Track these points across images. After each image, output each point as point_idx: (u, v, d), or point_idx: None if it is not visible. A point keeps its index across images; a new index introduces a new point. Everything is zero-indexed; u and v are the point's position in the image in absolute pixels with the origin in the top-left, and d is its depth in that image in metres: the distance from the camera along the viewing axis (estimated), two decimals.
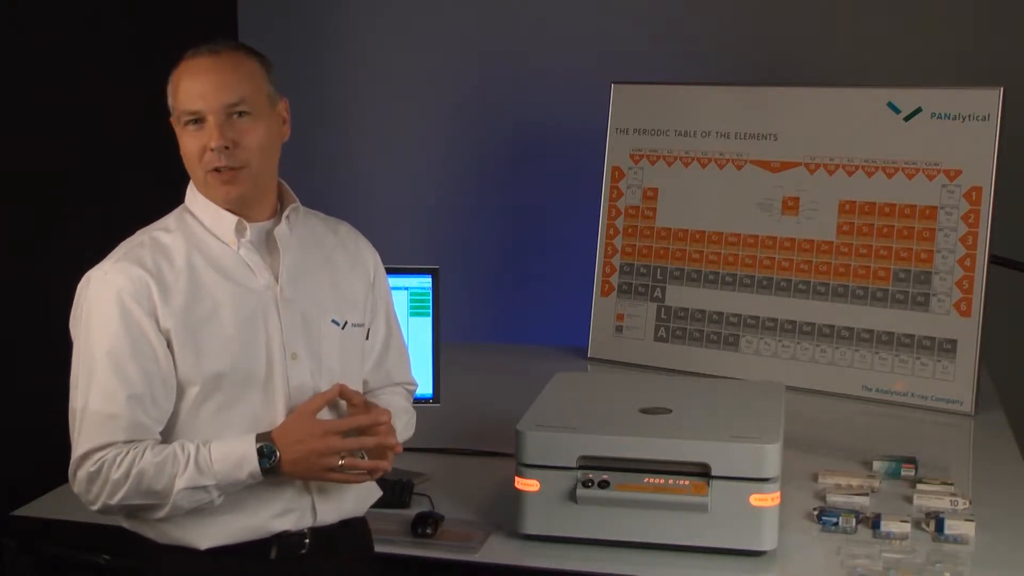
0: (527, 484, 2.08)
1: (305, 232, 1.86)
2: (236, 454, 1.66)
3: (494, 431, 2.62)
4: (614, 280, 3.55)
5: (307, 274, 1.83)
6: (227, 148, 1.70)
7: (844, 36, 3.83)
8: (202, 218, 1.78)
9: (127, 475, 1.63)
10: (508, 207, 4.22)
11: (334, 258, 1.89)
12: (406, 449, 2.57)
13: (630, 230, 3.53)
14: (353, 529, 1.88)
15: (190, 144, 1.72)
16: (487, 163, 4.22)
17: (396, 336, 2.00)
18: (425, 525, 2.15)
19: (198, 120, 1.70)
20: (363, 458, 1.73)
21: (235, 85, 1.71)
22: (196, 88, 1.70)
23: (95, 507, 1.69)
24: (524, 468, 2.09)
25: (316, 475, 1.71)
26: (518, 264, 4.23)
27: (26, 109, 3.03)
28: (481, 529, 2.18)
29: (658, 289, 3.48)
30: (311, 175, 4.13)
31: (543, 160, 4.14)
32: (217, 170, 1.71)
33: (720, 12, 3.93)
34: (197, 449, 1.66)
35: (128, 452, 1.64)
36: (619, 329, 3.52)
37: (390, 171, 4.29)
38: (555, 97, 4.06)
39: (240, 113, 1.72)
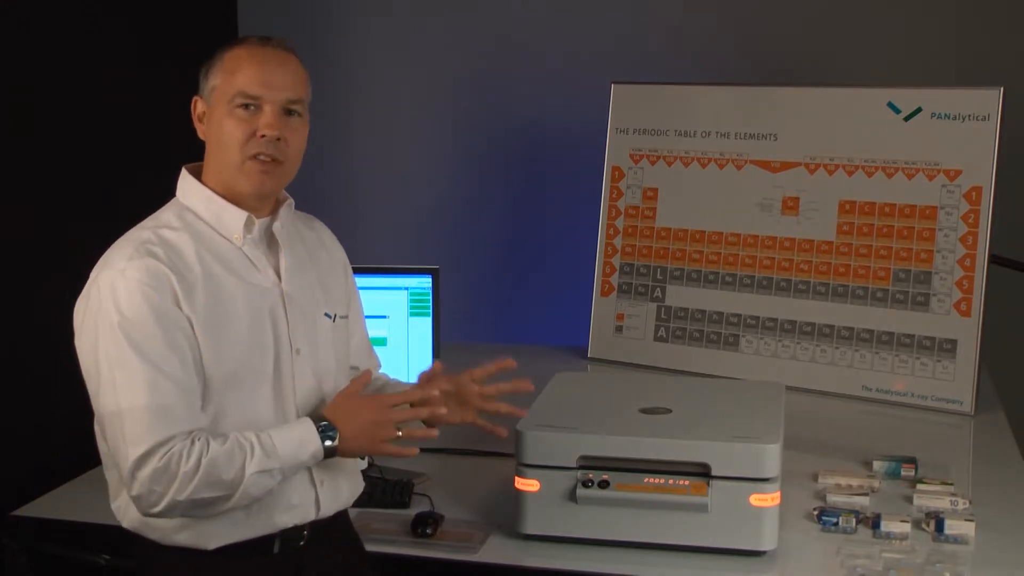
0: (527, 484, 2.08)
1: (292, 229, 1.89)
2: (296, 436, 1.69)
3: None
4: (614, 280, 3.55)
5: (300, 270, 1.85)
6: (278, 140, 1.73)
7: (844, 36, 3.83)
8: (203, 214, 1.77)
9: (197, 466, 1.61)
10: (508, 207, 4.22)
11: (317, 254, 1.92)
12: None
13: (630, 230, 3.53)
14: (342, 520, 1.92)
15: (235, 127, 1.72)
16: (487, 163, 4.22)
17: (364, 326, 2.06)
18: (425, 525, 2.15)
19: (251, 106, 1.72)
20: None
21: (297, 84, 1.76)
22: (262, 75, 1.72)
23: (158, 508, 1.63)
24: (524, 468, 2.09)
25: (376, 447, 1.75)
26: (518, 264, 4.23)
27: (26, 109, 3.03)
28: (481, 529, 2.18)
29: (658, 289, 3.48)
30: (311, 174, 4.10)
31: (543, 160, 4.14)
32: (259, 158, 1.72)
33: (720, 12, 3.93)
34: (257, 436, 1.67)
35: (194, 443, 1.62)
36: (619, 329, 3.52)
37: (390, 171, 4.29)
38: (555, 97, 4.06)
39: (293, 112, 1.75)
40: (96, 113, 3.27)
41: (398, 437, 1.74)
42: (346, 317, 1.93)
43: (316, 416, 1.72)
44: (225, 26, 4.05)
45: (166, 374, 1.63)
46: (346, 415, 1.72)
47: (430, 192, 4.27)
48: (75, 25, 3.22)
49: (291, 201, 1.86)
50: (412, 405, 1.80)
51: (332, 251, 1.97)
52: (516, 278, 4.23)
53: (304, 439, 1.69)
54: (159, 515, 1.65)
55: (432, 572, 2.10)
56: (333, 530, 1.87)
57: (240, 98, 1.72)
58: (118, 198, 3.26)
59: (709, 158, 3.42)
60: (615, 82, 3.57)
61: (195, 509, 1.66)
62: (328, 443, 1.70)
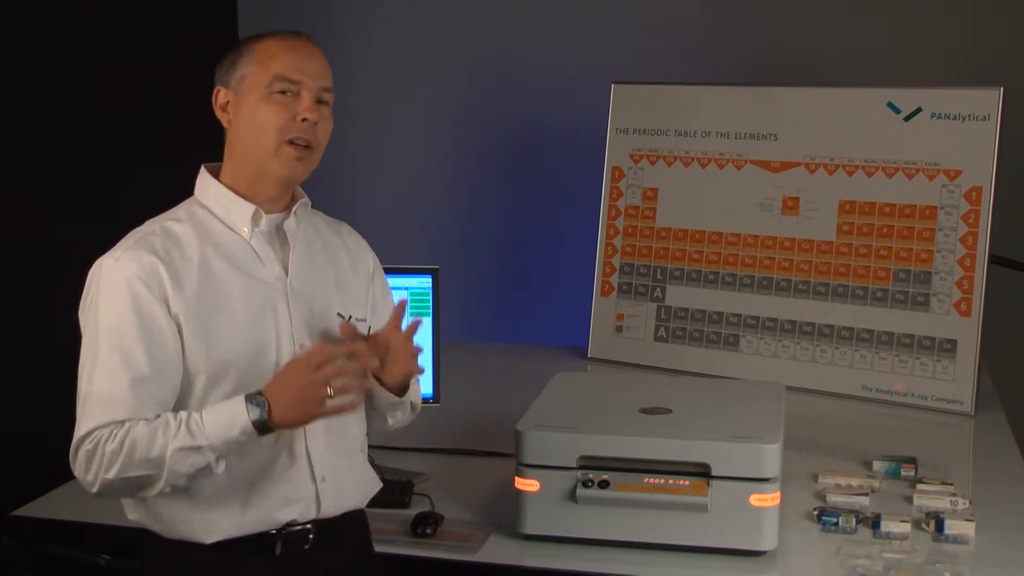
0: (527, 484, 2.08)
1: (310, 229, 1.89)
2: (226, 413, 1.65)
3: (494, 431, 2.62)
4: (614, 280, 3.55)
5: (314, 268, 1.86)
6: (315, 124, 1.77)
7: (844, 36, 3.83)
8: (214, 208, 1.79)
9: (120, 446, 1.62)
10: (508, 207, 4.22)
11: (337, 256, 1.92)
12: (405, 449, 2.59)
13: (630, 230, 3.53)
14: (353, 521, 1.90)
15: (274, 112, 1.74)
16: (487, 163, 4.22)
17: None
18: (425, 525, 2.15)
19: (289, 92, 1.75)
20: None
21: (329, 74, 1.82)
22: (301, 62, 1.77)
23: (94, 488, 1.66)
24: (524, 468, 2.09)
25: (309, 411, 1.67)
26: (518, 264, 4.23)
27: (26, 109, 3.03)
28: (481, 529, 2.18)
29: (658, 289, 3.48)
30: (311, 174, 4.12)
31: (543, 160, 4.15)
32: (295, 143, 1.75)
33: (720, 12, 3.93)
34: (189, 415, 1.66)
35: (122, 425, 1.64)
36: (619, 329, 3.52)
37: (390, 171, 4.30)
38: (555, 97, 4.06)
39: (324, 102, 1.81)
40: (96, 113, 3.28)
41: (330, 397, 1.66)
42: (364, 320, 1.92)
43: (254, 391, 1.67)
44: (225, 26, 4.05)
45: (128, 366, 1.66)
46: (278, 387, 1.66)
47: (430, 192, 4.27)
48: (75, 25, 3.22)
49: (307, 200, 1.87)
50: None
51: (358, 256, 1.97)
52: (516, 278, 4.23)
53: (234, 416, 1.64)
54: (100, 495, 1.67)
55: (432, 572, 2.10)
56: (342, 532, 1.85)
57: (279, 83, 1.75)
58: (118, 198, 3.26)
59: (709, 158, 3.43)
60: (615, 82, 3.57)
61: (131, 489, 1.67)
62: (255, 417, 1.64)
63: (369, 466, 1.92)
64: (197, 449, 1.64)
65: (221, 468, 1.68)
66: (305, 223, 1.88)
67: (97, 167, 3.28)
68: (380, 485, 1.96)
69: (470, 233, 4.24)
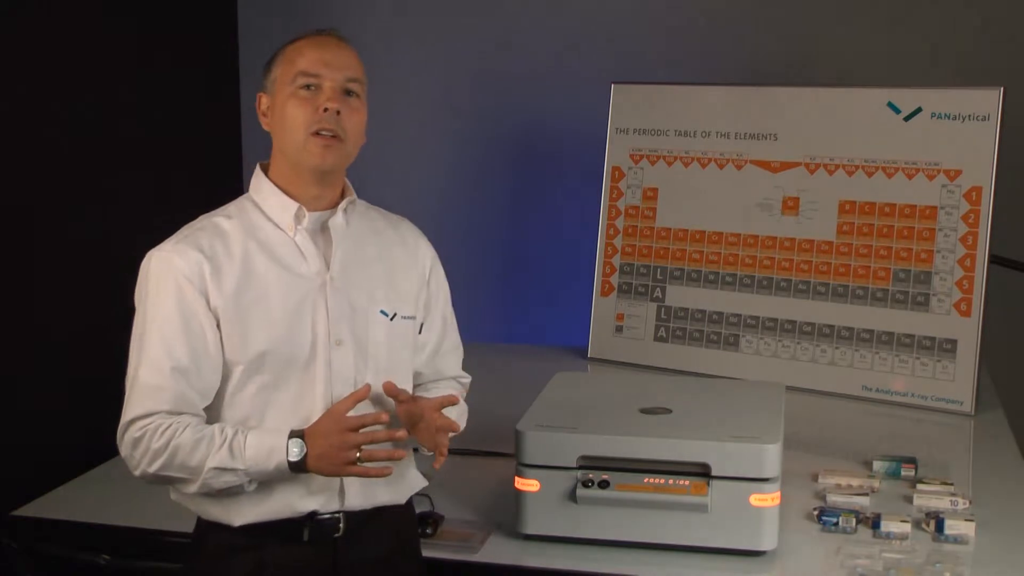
0: (527, 484, 2.09)
1: (364, 225, 1.92)
2: (268, 444, 1.71)
3: (494, 431, 2.62)
4: (614, 280, 3.55)
5: (360, 265, 1.88)
6: (338, 114, 1.79)
7: (844, 36, 3.83)
8: (264, 205, 1.84)
9: (165, 447, 1.70)
10: (508, 207, 4.22)
11: (391, 252, 1.94)
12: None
13: (630, 230, 3.53)
14: (392, 517, 1.89)
15: (298, 107, 1.79)
16: (487, 163, 4.22)
17: (451, 332, 2.05)
18: (425, 525, 2.15)
19: (312, 86, 1.80)
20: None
21: (355, 65, 1.85)
22: (322, 56, 1.82)
23: (137, 472, 1.74)
24: (524, 468, 2.09)
25: (339, 470, 1.73)
26: (518, 264, 4.23)
27: (26, 109, 3.03)
28: (481, 529, 2.18)
29: (658, 289, 3.48)
30: None
31: (543, 160, 4.14)
32: (320, 134, 1.78)
33: (720, 12, 3.93)
34: (235, 433, 1.72)
35: (171, 425, 1.71)
36: (619, 329, 3.52)
37: (390, 171, 4.29)
38: (555, 97, 4.06)
39: (352, 92, 1.83)
40: (97, 113, 3.27)
41: (357, 459, 1.71)
42: (413, 318, 1.93)
43: (297, 431, 1.73)
44: (225, 26, 4.05)
45: (171, 357, 1.73)
46: (316, 434, 1.73)
47: (430, 192, 4.27)
48: (75, 25, 3.22)
49: (353, 198, 1.90)
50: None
51: (414, 252, 1.99)
52: (516, 278, 4.23)
53: (273, 449, 1.71)
54: (140, 478, 1.75)
55: (432, 572, 2.09)
56: (375, 525, 1.85)
57: (302, 78, 1.79)
58: (118, 198, 3.27)
59: (709, 158, 3.43)
60: (615, 82, 3.57)
61: (168, 483, 1.76)
62: (293, 458, 1.71)
63: (410, 464, 1.91)
64: (233, 471, 1.71)
65: (253, 487, 1.74)
66: (359, 219, 1.91)
67: (97, 167, 3.27)
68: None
69: (470, 233, 4.24)
